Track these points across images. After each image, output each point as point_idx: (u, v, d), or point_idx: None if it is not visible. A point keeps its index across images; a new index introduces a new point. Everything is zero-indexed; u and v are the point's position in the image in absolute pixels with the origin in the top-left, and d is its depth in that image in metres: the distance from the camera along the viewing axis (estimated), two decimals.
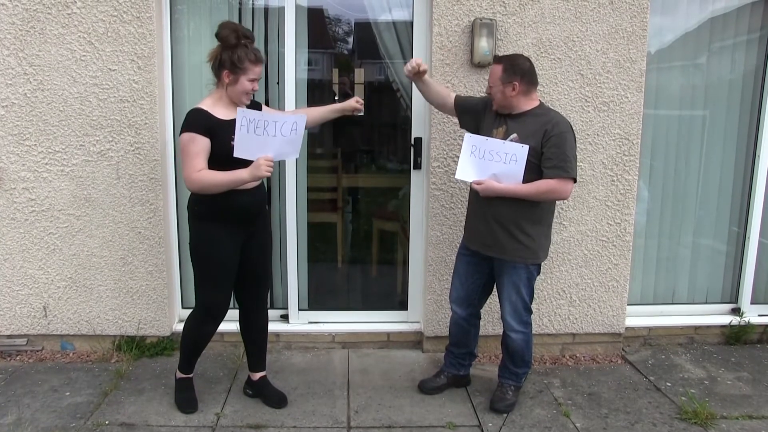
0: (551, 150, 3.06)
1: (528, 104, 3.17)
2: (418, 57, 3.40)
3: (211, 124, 2.90)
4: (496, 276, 3.34)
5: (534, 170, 3.09)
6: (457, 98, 3.46)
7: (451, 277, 3.71)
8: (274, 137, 2.91)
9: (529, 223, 3.17)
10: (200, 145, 2.89)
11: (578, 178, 3.79)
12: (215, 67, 2.98)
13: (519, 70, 3.10)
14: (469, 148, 3.20)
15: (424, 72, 3.34)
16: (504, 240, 3.19)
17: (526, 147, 3.04)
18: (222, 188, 2.93)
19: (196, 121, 2.91)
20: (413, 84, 3.93)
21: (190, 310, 3.28)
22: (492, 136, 3.20)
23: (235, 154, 2.88)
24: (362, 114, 3.34)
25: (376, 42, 4.08)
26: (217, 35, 2.94)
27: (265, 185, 3.33)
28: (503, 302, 3.32)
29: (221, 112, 2.96)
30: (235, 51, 2.91)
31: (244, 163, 2.92)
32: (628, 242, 4.02)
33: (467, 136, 3.22)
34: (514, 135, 3.12)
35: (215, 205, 3.01)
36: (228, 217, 3.05)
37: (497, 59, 3.19)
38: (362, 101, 3.33)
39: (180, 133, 2.93)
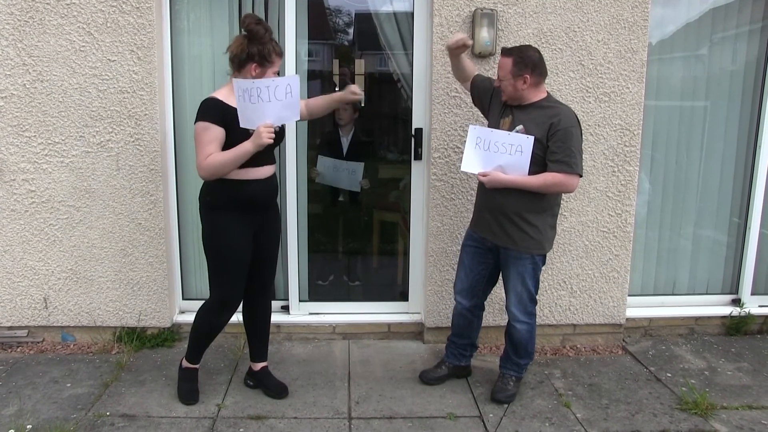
0: (556, 144, 3.05)
1: (536, 95, 3.16)
2: (463, 33, 3.33)
3: (225, 113, 2.91)
4: (502, 266, 3.34)
5: (539, 162, 3.08)
6: (475, 78, 3.45)
7: (451, 267, 3.71)
8: (270, 102, 2.91)
9: (533, 213, 3.17)
10: (213, 134, 2.90)
11: None
12: (241, 59, 2.96)
13: (530, 62, 3.08)
14: (473, 139, 3.19)
15: (467, 48, 3.32)
16: (510, 230, 3.19)
17: (532, 138, 3.03)
18: (232, 165, 2.93)
19: (211, 111, 2.92)
20: (414, 74, 3.94)
21: (198, 302, 3.29)
22: (498, 126, 3.20)
23: (241, 125, 2.89)
24: (362, 104, 3.30)
25: (377, 33, 4.07)
26: (248, 29, 2.93)
27: (278, 176, 3.32)
28: (508, 293, 3.32)
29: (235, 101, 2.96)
30: (266, 45, 2.93)
31: (265, 151, 2.96)
32: (629, 233, 4.02)
33: (471, 128, 3.21)
34: (520, 126, 3.11)
35: (227, 195, 3.02)
36: (240, 207, 3.06)
37: (506, 52, 3.14)
38: (360, 90, 3.29)
39: (195, 122, 2.94)
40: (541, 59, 3.13)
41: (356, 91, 3.27)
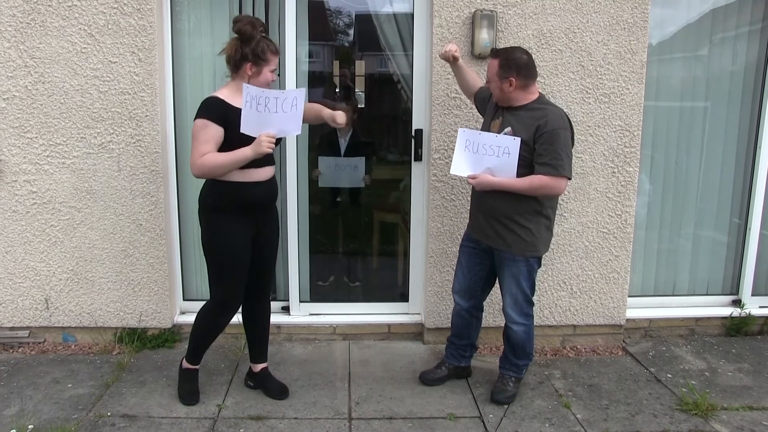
0: (543, 146, 3.04)
1: (526, 98, 3.15)
2: (453, 44, 3.36)
3: (226, 112, 2.91)
4: (497, 268, 3.34)
5: (527, 164, 3.08)
6: (477, 90, 3.46)
7: (451, 268, 3.71)
8: (276, 113, 2.91)
9: (525, 216, 3.16)
10: (211, 132, 2.90)
11: (579, 170, 3.81)
12: (236, 60, 2.97)
13: (515, 65, 3.06)
14: (463, 142, 3.20)
15: (456, 59, 3.37)
16: (502, 232, 3.19)
17: (518, 139, 3.03)
18: (226, 168, 2.93)
19: (211, 109, 2.93)
20: (414, 75, 3.95)
21: (199, 302, 3.30)
22: (489, 128, 3.21)
23: (242, 130, 2.89)
24: (342, 127, 3.28)
25: (377, 34, 4.08)
26: (238, 31, 2.94)
27: (278, 178, 3.31)
28: (504, 294, 3.32)
29: (238, 101, 2.95)
30: (258, 44, 2.94)
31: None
32: (629, 234, 4.02)
33: (461, 131, 3.22)
34: (508, 129, 3.11)
35: (227, 197, 3.02)
36: (241, 209, 3.06)
37: (494, 53, 3.17)
38: (345, 118, 3.17)
39: (194, 119, 2.93)
40: (529, 61, 3.11)
41: (340, 122, 3.15)
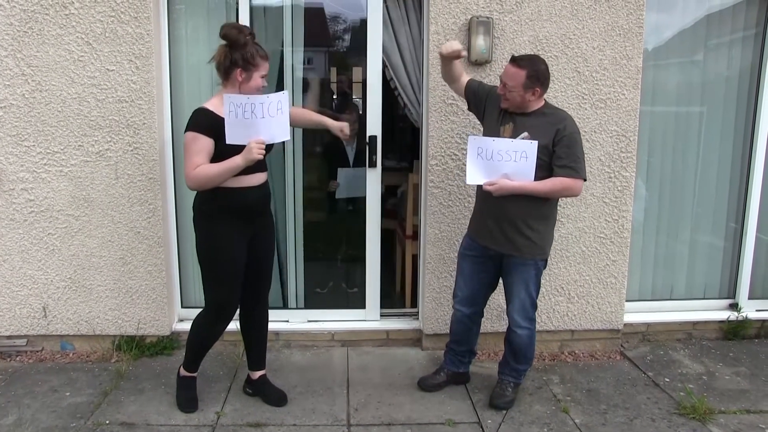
0: (563, 150, 3.09)
1: (538, 104, 3.20)
2: (456, 42, 3.23)
3: (215, 123, 2.90)
4: (505, 273, 3.35)
5: (545, 168, 3.12)
6: (470, 83, 3.41)
7: (449, 274, 3.71)
8: (263, 119, 2.91)
9: (537, 219, 3.19)
10: (202, 144, 2.90)
11: None
12: (226, 67, 2.97)
13: (542, 77, 3.11)
14: (474, 150, 3.18)
15: (460, 57, 3.29)
16: (514, 237, 3.21)
17: (536, 143, 3.05)
18: (220, 178, 2.93)
19: (201, 121, 2.92)
20: (410, 79, 3.96)
21: (197, 310, 3.29)
22: (499, 134, 3.21)
23: (228, 141, 2.88)
24: (349, 141, 3.25)
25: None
26: (225, 36, 2.94)
27: (270, 183, 3.31)
28: (512, 299, 3.33)
29: None
30: (247, 49, 2.93)
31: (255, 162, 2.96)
32: (626, 239, 4.03)
33: (471, 138, 3.20)
34: (526, 133, 3.12)
35: (222, 204, 3.02)
36: (235, 215, 3.06)
37: (518, 63, 3.11)
38: (352, 129, 3.21)
39: (184, 132, 2.93)
40: (548, 72, 3.17)
41: (347, 132, 3.22)
